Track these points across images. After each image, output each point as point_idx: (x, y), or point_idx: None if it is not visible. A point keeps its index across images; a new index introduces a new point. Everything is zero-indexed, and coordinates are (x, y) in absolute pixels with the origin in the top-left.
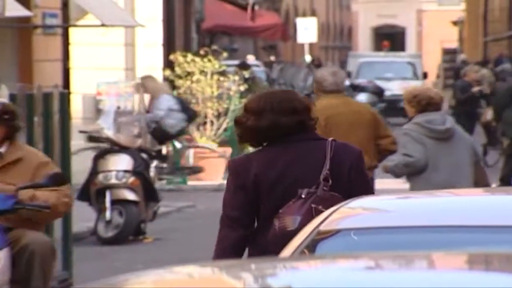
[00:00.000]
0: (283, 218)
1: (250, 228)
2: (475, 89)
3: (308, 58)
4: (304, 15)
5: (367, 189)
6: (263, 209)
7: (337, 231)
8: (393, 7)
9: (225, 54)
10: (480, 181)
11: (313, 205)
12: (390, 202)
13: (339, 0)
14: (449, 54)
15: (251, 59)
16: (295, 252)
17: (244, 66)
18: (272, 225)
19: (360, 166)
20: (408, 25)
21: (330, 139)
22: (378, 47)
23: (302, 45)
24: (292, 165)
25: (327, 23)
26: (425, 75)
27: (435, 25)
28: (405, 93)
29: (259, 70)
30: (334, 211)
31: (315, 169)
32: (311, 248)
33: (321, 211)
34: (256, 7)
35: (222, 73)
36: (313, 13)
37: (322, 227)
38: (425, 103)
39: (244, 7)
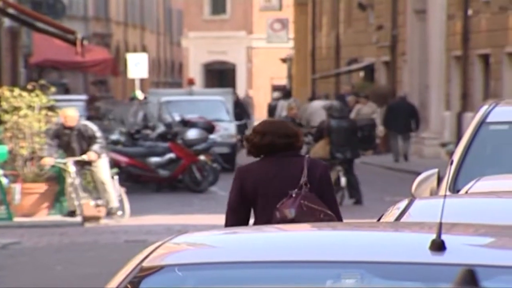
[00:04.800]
0: (282, 211)
1: (245, 217)
2: None
3: (139, 94)
4: (135, 50)
5: (332, 193)
6: (259, 204)
7: (161, 267)
8: (223, 44)
9: (53, 89)
10: None
11: (301, 201)
12: (216, 237)
13: (170, 36)
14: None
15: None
16: None
17: (93, 99)
18: (274, 216)
19: (326, 175)
20: (238, 61)
21: (307, 156)
22: (209, 83)
23: (133, 81)
24: (280, 174)
25: (158, 59)
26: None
27: (264, 62)
28: None
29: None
30: (158, 246)
31: (295, 176)
32: (135, 284)
33: (307, 205)
34: (86, 42)
35: (51, 108)
36: (144, 49)
37: (146, 263)
38: None
39: (73, 42)
